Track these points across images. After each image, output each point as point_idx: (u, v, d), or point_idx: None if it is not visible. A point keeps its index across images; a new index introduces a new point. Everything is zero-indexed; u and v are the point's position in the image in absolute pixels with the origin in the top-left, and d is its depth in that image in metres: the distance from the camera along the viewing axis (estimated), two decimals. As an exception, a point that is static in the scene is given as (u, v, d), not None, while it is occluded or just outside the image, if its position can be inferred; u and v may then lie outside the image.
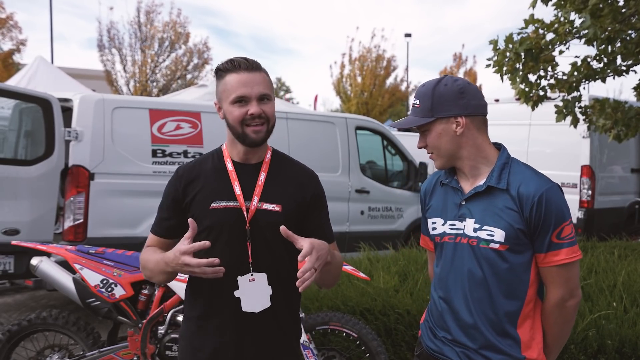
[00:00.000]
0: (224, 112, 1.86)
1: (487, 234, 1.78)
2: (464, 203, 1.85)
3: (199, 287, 1.89)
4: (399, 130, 2.06)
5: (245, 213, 1.84)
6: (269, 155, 1.95)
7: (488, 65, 5.48)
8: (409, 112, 1.93)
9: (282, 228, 1.68)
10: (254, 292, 1.83)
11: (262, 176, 1.89)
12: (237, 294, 1.83)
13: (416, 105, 1.85)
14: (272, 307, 1.86)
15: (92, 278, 3.32)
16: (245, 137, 1.83)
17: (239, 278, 1.83)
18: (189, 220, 1.72)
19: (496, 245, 1.78)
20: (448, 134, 1.82)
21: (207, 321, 1.88)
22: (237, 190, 1.85)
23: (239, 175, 1.88)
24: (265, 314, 1.85)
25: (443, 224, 1.90)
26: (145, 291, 3.42)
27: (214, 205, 1.84)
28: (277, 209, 1.85)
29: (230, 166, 1.89)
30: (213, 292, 1.86)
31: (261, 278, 1.84)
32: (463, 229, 1.84)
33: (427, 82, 1.87)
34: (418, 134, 1.91)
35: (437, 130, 1.83)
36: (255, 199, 1.85)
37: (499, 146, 1.91)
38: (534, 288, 1.84)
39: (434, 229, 1.94)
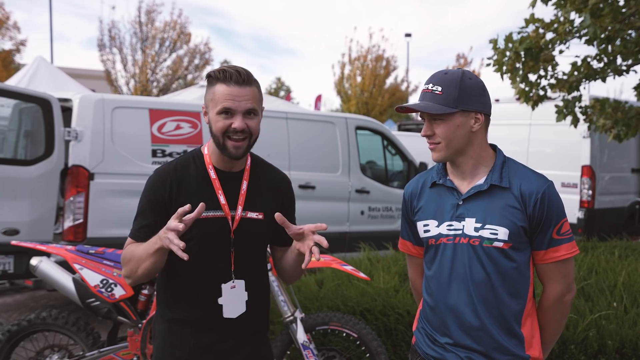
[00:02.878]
0: (209, 119, 1.86)
1: (490, 233, 1.77)
2: (461, 203, 1.83)
3: (181, 293, 1.90)
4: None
5: (230, 222, 1.86)
6: (249, 162, 1.96)
7: (488, 65, 5.48)
8: (418, 100, 1.84)
9: (278, 215, 1.73)
10: (234, 299, 1.87)
11: (245, 185, 1.91)
12: (220, 301, 1.85)
13: (437, 92, 1.78)
14: (249, 311, 1.89)
15: (92, 278, 3.32)
16: (225, 149, 1.83)
17: (223, 285, 1.85)
18: (201, 204, 1.69)
19: (500, 244, 1.77)
20: (464, 128, 1.79)
21: (185, 325, 1.89)
22: (222, 199, 1.87)
23: (222, 183, 1.89)
24: (243, 318, 1.89)
25: (438, 226, 1.87)
26: (145, 291, 3.42)
27: (202, 215, 1.83)
28: (260, 216, 1.90)
29: (213, 174, 1.89)
30: (196, 297, 1.88)
31: (240, 285, 1.88)
32: (462, 229, 1.82)
33: (449, 71, 1.83)
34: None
35: (455, 122, 1.78)
36: (240, 208, 1.87)
37: (493, 147, 1.92)
38: (532, 286, 1.86)
39: (426, 231, 1.90)
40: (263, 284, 1.99)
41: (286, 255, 1.95)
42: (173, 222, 1.62)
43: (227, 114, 1.80)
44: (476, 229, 1.79)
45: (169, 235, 1.61)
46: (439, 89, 1.78)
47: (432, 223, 1.89)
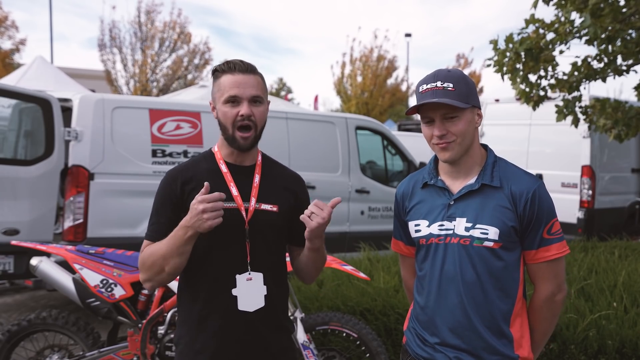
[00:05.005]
0: (217, 111, 1.90)
1: (481, 232, 1.77)
2: (452, 203, 1.83)
3: (198, 286, 1.90)
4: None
5: (244, 213, 1.87)
6: (259, 157, 1.99)
7: (488, 65, 5.49)
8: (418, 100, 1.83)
9: (303, 217, 1.78)
10: (250, 291, 1.86)
11: (257, 178, 1.94)
12: (234, 292, 1.85)
13: (450, 89, 1.74)
14: (268, 306, 1.89)
15: (92, 278, 3.32)
16: (234, 140, 1.87)
17: (238, 276, 1.85)
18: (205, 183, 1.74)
19: (490, 244, 1.77)
20: (472, 125, 1.81)
21: (205, 322, 1.88)
22: (234, 191, 1.89)
23: (234, 176, 1.91)
24: (263, 313, 1.88)
25: (428, 226, 1.86)
26: (145, 291, 3.42)
27: None
28: (274, 209, 1.92)
29: (224, 168, 1.92)
30: (212, 291, 1.88)
31: (258, 278, 1.87)
32: (453, 229, 1.81)
33: (452, 69, 1.83)
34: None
35: (467, 118, 1.78)
36: (253, 200, 1.89)
37: (484, 146, 1.92)
38: (522, 286, 1.86)
39: (417, 231, 1.90)
40: (282, 281, 1.99)
41: (303, 252, 1.97)
42: (202, 205, 1.68)
43: (234, 102, 1.84)
44: (467, 229, 1.79)
45: (205, 216, 1.68)
46: (451, 85, 1.75)
47: (423, 223, 1.88)
